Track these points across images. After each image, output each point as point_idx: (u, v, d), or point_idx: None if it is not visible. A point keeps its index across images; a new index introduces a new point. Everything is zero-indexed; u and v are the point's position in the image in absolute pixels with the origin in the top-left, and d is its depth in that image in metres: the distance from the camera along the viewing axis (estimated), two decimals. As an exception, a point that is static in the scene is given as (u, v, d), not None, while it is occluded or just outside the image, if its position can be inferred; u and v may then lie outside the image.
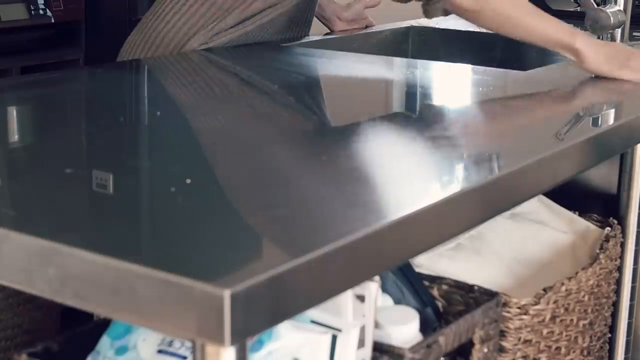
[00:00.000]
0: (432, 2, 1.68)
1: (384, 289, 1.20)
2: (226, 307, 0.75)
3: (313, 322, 1.04)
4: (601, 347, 1.55)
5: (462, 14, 1.69)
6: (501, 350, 1.29)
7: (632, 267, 1.62)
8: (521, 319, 1.30)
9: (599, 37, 1.81)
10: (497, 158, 1.18)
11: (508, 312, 1.29)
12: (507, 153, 1.21)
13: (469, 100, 1.55)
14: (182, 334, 0.79)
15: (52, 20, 2.93)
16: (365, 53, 1.94)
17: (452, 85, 1.69)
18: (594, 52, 1.57)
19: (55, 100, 1.47)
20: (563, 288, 1.37)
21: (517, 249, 1.51)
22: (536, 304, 1.32)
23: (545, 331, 1.35)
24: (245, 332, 0.77)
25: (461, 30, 2.07)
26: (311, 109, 1.50)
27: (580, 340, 1.44)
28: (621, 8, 1.78)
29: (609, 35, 1.81)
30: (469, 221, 1.07)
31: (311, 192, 1.01)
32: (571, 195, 1.63)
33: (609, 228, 1.57)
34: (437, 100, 1.59)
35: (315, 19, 1.99)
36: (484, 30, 1.73)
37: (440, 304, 1.25)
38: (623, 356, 1.65)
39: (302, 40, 1.90)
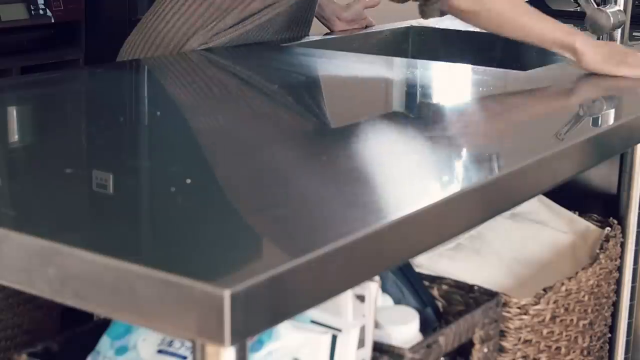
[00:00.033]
0: (429, 2, 1.68)
1: (384, 289, 1.20)
2: (226, 307, 0.75)
3: (313, 322, 1.04)
4: (601, 347, 1.55)
5: (460, 15, 1.69)
6: (501, 350, 1.29)
7: (632, 267, 1.62)
8: (521, 319, 1.30)
9: (598, 38, 1.81)
10: (497, 158, 1.18)
11: (508, 312, 1.29)
12: (507, 153, 1.21)
13: (468, 100, 1.55)
14: (182, 334, 0.79)
15: (52, 20, 2.93)
16: (365, 53, 1.94)
17: (452, 85, 1.69)
18: (592, 51, 1.59)
19: (55, 100, 1.47)
20: (563, 288, 1.37)
21: (517, 249, 1.51)
22: (536, 304, 1.32)
23: (545, 331, 1.35)
24: (245, 332, 0.77)
25: (461, 30, 2.07)
26: (311, 109, 1.50)
27: (580, 340, 1.44)
28: (621, 8, 1.78)
29: (608, 35, 1.81)
30: (469, 221, 1.07)
31: (311, 192, 1.01)
32: (571, 195, 1.63)
33: (609, 228, 1.57)
34: (437, 100, 1.59)
35: (315, 19, 1.99)
36: (484, 31, 1.73)
37: (440, 304, 1.25)
38: (623, 356, 1.65)
39: (302, 40, 1.90)
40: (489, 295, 1.23)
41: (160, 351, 1.03)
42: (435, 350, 1.11)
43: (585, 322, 1.45)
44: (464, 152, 1.21)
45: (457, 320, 1.16)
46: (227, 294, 0.74)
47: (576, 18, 2.24)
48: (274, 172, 1.09)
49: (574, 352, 1.43)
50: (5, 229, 0.86)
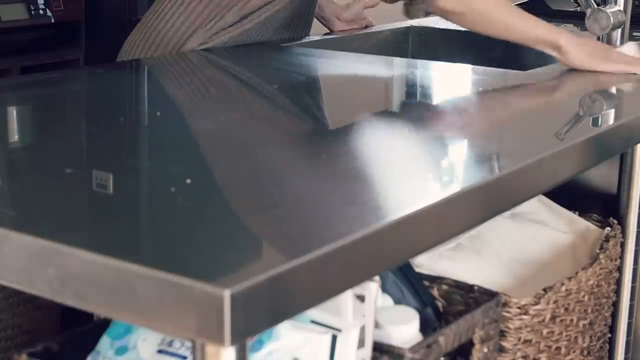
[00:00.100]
0: (414, 2, 1.69)
1: (384, 289, 1.20)
2: (226, 307, 0.75)
3: (313, 322, 1.04)
4: (601, 347, 1.55)
5: (445, 15, 1.72)
6: (501, 350, 1.29)
7: (632, 267, 1.62)
8: (521, 319, 1.30)
9: (598, 38, 1.81)
10: (497, 158, 1.18)
11: (508, 312, 1.29)
12: (507, 153, 1.21)
13: (468, 100, 1.55)
14: (182, 334, 0.79)
15: (52, 20, 2.93)
16: (365, 53, 1.94)
17: (452, 85, 1.69)
18: (576, 48, 1.63)
19: (55, 100, 1.47)
20: (563, 288, 1.37)
21: (517, 249, 1.51)
22: (536, 304, 1.32)
23: (545, 331, 1.35)
24: (245, 332, 0.77)
25: (461, 30, 2.06)
26: (311, 109, 1.50)
27: (580, 340, 1.44)
28: (621, 8, 1.78)
29: (607, 35, 1.81)
30: (469, 221, 1.07)
31: (311, 192, 1.01)
32: (571, 195, 1.63)
33: (609, 228, 1.57)
34: (436, 100, 1.59)
35: (315, 19, 1.99)
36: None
37: (440, 304, 1.25)
38: (623, 356, 1.65)
39: (302, 40, 1.90)
40: (489, 295, 1.23)
41: (160, 351, 1.03)
42: (435, 350, 1.11)
43: (585, 322, 1.45)
44: (464, 152, 1.21)
45: (457, 320, 1.16)
46: (227, 294, 0.74)
47: (576, 18, 2.24)
48: (274, 172, 1.09)
49: (574, 352, 1.43)
50: (5, 229, 0.86)
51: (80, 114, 1.45)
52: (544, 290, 1.34)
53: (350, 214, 0.94)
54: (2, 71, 2.75)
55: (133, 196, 1.03)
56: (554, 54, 1.65)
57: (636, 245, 1.63)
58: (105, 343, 1.07)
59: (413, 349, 1.09)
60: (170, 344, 1.03)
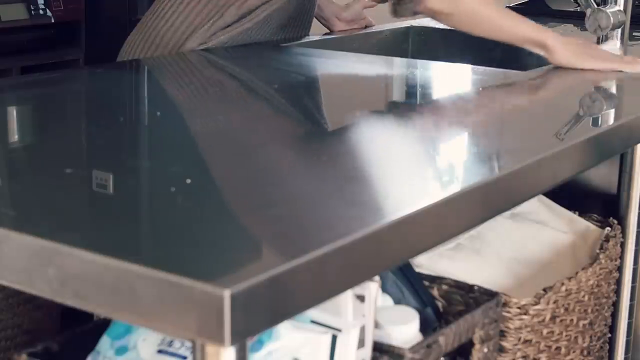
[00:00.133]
0: (402, 2, 1.70)
1: (384, 289, 1.20)
2: (226, 307, 0.75)
3: (313, 322, 1.04)
4: (601, 347, 1.55)
5: (433, 15, 1.74)
6: (501, 350, 1.29)
7: (632, 267, 1.62)
8: (521, 319, 1.30)
9: (599, 38, 1.81)
10: (497, 158, 1.18)
11: (508, 312, 1.29)
12: (507, 153, 1.21)
13: (468, 100, 1.55)
14: (182, 334, 0.79)
15: (52, 20, 2.93)
16: (365, 53, 1.94)
17: (452, 85, 1.69)
18: (562, 47, 1.65)
19: (55, 100, 1.47)
20: (563, 288, 1.37)
21: (517, 249, 1.51)
22: (536, 304, 1.32)
23: (545, 331, 1.35)
24: (245, 332, 0.77)
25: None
26: (311, 109, 1.50)
27: (580, 340, 1.44)
28: (621, 8, 1.78)
29: (607, 36, 1.81)
30: (469, 221, 1.07)
31: (311, 192, 1.01)
32: (571, 195, 1.63)
33: (609, 228, 1.57)
34: (436, 100, 1.59)
35: (314, 19, 1.99)
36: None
37: (440, 304, 1.25)
38: (623, 356, 1.65)
39: (302, 40, 1.90)
40: (489, 295, 1.23)
41: (160, 351, 1.03)
42: (435, 350, 1.11)
43: (585, 322, 1.45)
44: (464, 152, 1.21)
45: (457, 320, 1.16)
46: (227, 294, 0.74)
47: (576, 18, 2.24)
48: (274, 172, 1.09)
49: (574, 352, 1.43)
50: (5, 229, 0.86)
51: (80, 114, 1.45)
52: (544, 290, 1.34)
53: (350, 214, 0.94)
54: (2, 71, 2.75)
55: (133, 196, 1.03)
56: (541, 52, 1.67)
57: (636, 245, 1.63)
58: (105, 343, 1.07)
59: (413, 349, 1.09)
60: (170, 344, 1.03)
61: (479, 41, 1.75)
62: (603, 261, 1.48)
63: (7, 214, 0.93)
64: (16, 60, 2.84)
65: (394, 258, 0.95)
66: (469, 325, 1.17)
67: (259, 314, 0.78)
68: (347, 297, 1.05)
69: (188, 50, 1.74)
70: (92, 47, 3.03)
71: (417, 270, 1.27)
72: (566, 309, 1.39)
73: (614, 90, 1.64)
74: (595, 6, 1.78)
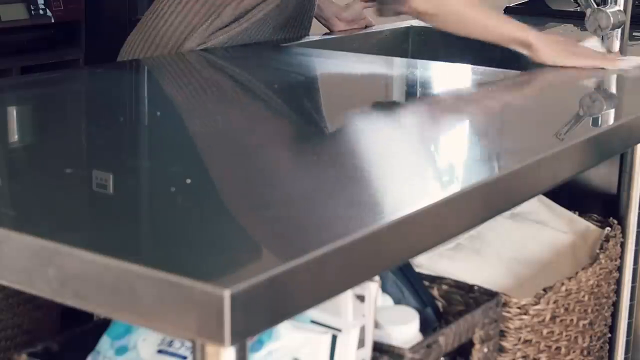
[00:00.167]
0: (386, 2, 1.71)
1: (384, 289, 1.20)
2: (226, 307, 0.75)
3: (313, 322, 1.04)
4: (601, 347, 1.55)
5: (418, 16, 1.75)
6: (501, 350, 1.29)
7: (632, 267, 1.62)
8: (521, 319, 1.30)
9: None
10: (497, 158, 1.18)
11: (508, 312, 1.29)
12: (507, 153, 1.21)
13: (468, 100, 1.55)
14: (182, 334, 0.79)
15: (52, 20, 2.93)
16: (365, 53, 1.94)
17: (452, 85, 1.69)
18: (545, 45, 1.67)
19: (55, 100, 1.47)
20: (563, 288, 1.37)
21: (517, 249, 1.51)
22: (536, 304, 1.32)
23: (545, 331, 1.35)
24: (245, 332, 0.77)
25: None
26: (311, 109, 1.50)
27: (580, 340, 1.44)
28: (621, 8, 1.78)
29: (607, 35, 1.81)
30: (469, 221, 1.07)
31: (311, 192, 1.01)
32: (571, 195, 1.63)
33: (609, 228, 1.57)
34: (436, 100, 1.59)
35: (314, 19, 1.99)
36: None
37: (440, 304, 1.25)
38: (623, 356, 1.65)
39: (302, 40, 1.90)
40: (489, 295, 1.23)
41: (160, 351, 1.03)
42: (435, 350, 1.11)
43: (585, 322, 1.45)
44: (464, 152, 1.21)
45: (457, 320, 1.16)
46: (227, 294, 0.74)
47: (576, 18, 2.24)
48: (274, 172, 1.09)
49: (574, 352, 1.43)
50: (5, 229, 0.86)
51: (80, 114, 1.45)
52: (544, 290, 1.34)
53: (350, 214, 0.94)
54: (2, 71, 2.75)
55: (133, 196, 1.03)
56: (524, 51, 1.68)
57: (636, 245, 1.63)
58: (105, 343, 1.07)
59: (413, 349, 1.09)
60: (170, 344, 1.03)
61: (479, 41, 1.76)
62: (603, 261, 1.48)
63: (7, 214, 0.93)
64: (16, 60, 2.84)
65: (393, 258, 0.95)
66: (469, 325, 1.17)
67: (259, 314, 0.78)
68: (347, 297, 1.05)
69: (187, 50, 1.74)
70: (92, 47, 3.03)
71: (417, 270, 1.27)
72: (566, 309, 1.39)
73: (613, 90, 1.64)
74: (595, 6, 1.78)
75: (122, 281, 0.79)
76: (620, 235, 1.60)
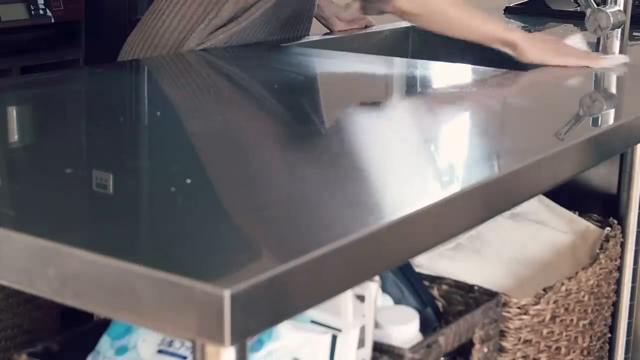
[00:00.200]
0: (371, 0, 1.71)
1: (384, 289, 1.20)
2: (226, 307, 0.75)
3: (313, 322, 1.04)
4: (601, 347, 1.55)
5: (402, 16, 1.74)
6: (501, 350, 1.29)
7: (632, 267, 1.62)
8: (521, 319, 1.30)
9: (598, 38, 1.81)
10: (497, 158, 1.18)
11: (508, 312, 1.29)
12: (507, 153, 1.21)
13: (468, 100, 1.55)
14: (182, 334, 0.79)
15: (52, 20, 2.93)
16: (365, 53, 1.94)
17: (452, 85, 1.69)
18: (530, 45, 1.68)
19: (55, 100, 1.47)
20: (563, 288, 1.37)
21: (517, 249, 1.51)
22: (536, 304, 1.32)
23: (545, 331, 1.35)
24: (245, 332, 0.77)
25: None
26: (311, 109, 1.50)
27: (580, 340, 1.44)
28: (621, 8, 1.78)
29: (607, 36, 1.81)
30: (469, 221, 1.07)
31: (311, 192, 1.01)
32: (571, 195, 1.63)
33: (609, 228, 1.57)
34: (436, 100, 1.59)
35: (314, 19, 1.99)
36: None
37: (440, 304, 1.25)
38: (623, 356, 1.65)
39: (302, 40, 1.90)
40: (489, 295, 1.23)
41: (160, 351, 1.03)
42: (435, 350, 1.11)
43: (585, 322, 1.45)
44: (464, 152, 1.21)
45: (457, 320, 1.16)
46: (227, 294, 0.74)
47: (576, 18, 2.24)
48: (274, 172, 1.09)
49: (574, 352, 1.43)
50: (5, 229, 0.86)
51: (80, 114, 1.45)
52: (544, 290, 1.34)
53: (350, 214, 0.94)
54: (2, 71, 2.75)
55: (133, 196, 1.03)
56: (509, 51, 1.68)
57: (636, 245, 1.63)
58: (105, 343, 1.07)
59: (413, 349, 1.09)
60: (170, 344, 1.03)
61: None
62: (603, 261, 1.48)
63: (7, 214, 0.93)
64: (16, 60, 2.84)
65: (393, 258, 0.95)
66: (469, 325, 1.17)
67: (259, 314, 0.78)
68: (347, 297, 1.05)
69: (187, 50, 1.74)
70: (92, 47, 3.03)
71: (417, 270, 1.27)
72: (566, 309, 1.39)
73: (613, 90, 1.64)
74: (595, 6, 1.78)
75: (122, 281, 0.79)
76: (620, 235, 1.60)
